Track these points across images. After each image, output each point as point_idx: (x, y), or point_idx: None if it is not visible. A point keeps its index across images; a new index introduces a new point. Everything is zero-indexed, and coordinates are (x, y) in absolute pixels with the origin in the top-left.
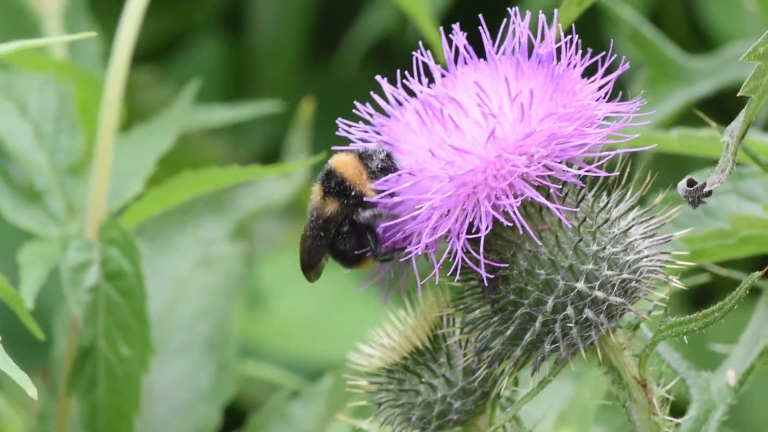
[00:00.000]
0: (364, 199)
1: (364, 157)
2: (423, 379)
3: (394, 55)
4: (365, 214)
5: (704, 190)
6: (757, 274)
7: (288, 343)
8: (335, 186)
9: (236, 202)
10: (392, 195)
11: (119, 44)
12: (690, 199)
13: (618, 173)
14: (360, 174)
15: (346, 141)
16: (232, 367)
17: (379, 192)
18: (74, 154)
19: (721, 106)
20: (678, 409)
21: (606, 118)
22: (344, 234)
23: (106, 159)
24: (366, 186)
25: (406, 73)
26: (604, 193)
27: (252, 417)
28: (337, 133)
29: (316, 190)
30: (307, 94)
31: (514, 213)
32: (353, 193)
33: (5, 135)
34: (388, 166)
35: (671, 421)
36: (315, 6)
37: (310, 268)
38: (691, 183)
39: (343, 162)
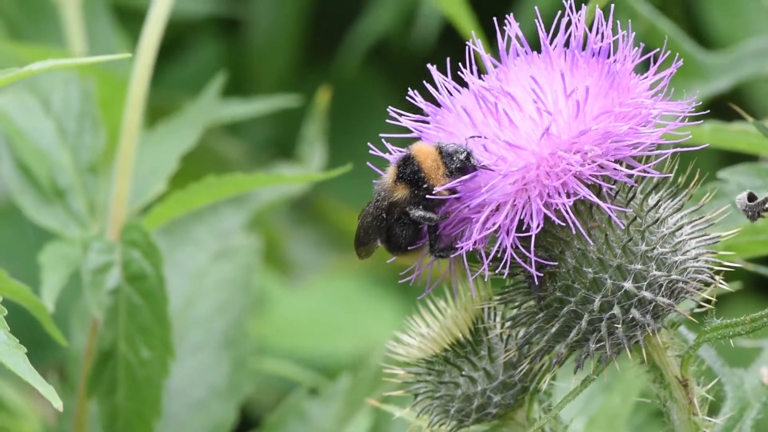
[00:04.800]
0: (434, 191)
1: (444, 153)
2: (463, 372)
3: (391, 55)
4: (418, 213)
5: (765, 205)
6: None
7: (289, 343)
8: (410, 174)
9: (253, 193)
10: (454, 192)
11: (144, 44)
12: (749, 214)
13: (671, 174)
14: (437, 169)
15: (348, 142)
16: (248, 365)
17: (449, 192)
18: (96, 153)
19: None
20: (713, 407)
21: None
22: (405, 221)
23: (128, 159)
24: (440, 182)
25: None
26: (653, 192)
27: (269, 415)
28: (387, 121)
29: (391, 171)
30: (304, 93)
31: (567, 212)
32: (425, 186)
33: (29, 132)
34: (467, 166)
35: (710, 421)
36: (311, 7)
37: (363, 244)
38: (751, 198)
39: (423, 152)
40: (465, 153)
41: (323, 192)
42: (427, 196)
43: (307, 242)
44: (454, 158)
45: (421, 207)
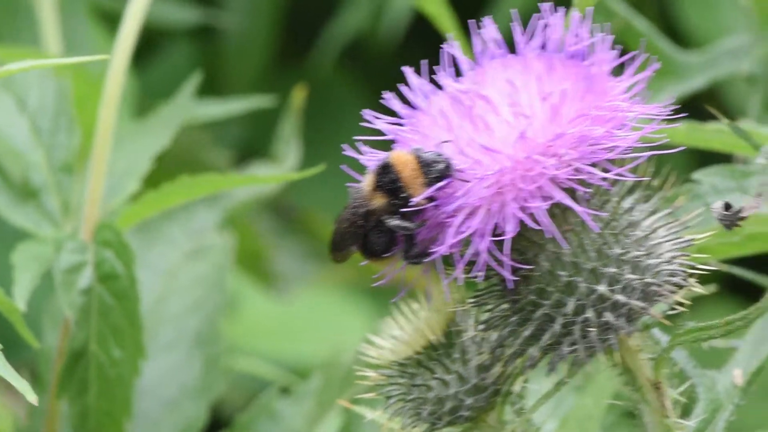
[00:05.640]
0: (411, 201)
1: (423, 161)
2: (436, 375)
3: (364, 55)
4: (395, 223)
5: (740, 215)
6: None
7: (260, 344)
8: (388, 183)
9: (227, 192)
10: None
11: (120, 42)
12: (726, 223)
13: (648, 178)
14: (415, 178)
15: (323, 142)
16: (221, 364)
17: (428, 200)
18: (71, 152)
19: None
20: (686, 409)
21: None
22: (382, 229)
23: (102, 158)
24: (418, 192)
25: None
26: (628, 194)
27: (240, 415)
28: (362, 124)
29: (368, 179)
30: (279, 94)
31: (542, 216)
32: (403, 195)
33: (3, 130)
34: (445, 176)
35: (682, 423)
36: (285, 7)
37: (338, 249)
38: (727, 207)
39: (401, 160)
40: (444, 164)
41: (301, 194)
42: (405, 207)
43: (293, 254)
44: (433, 168)
45: (398, 216)
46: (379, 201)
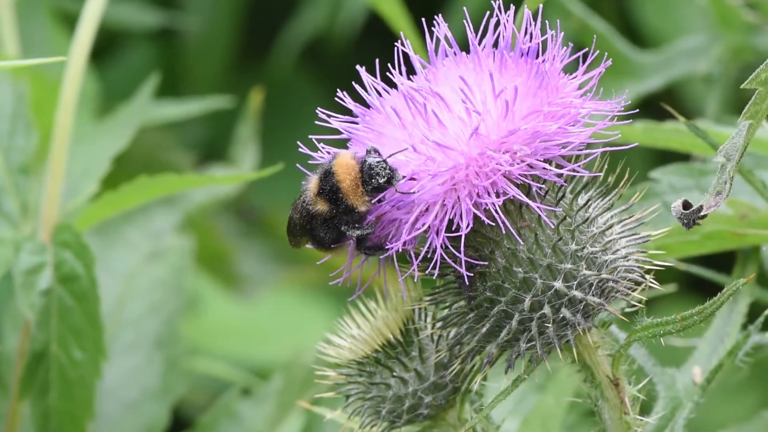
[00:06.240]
0: (354, 210)
1: (365, 171)
2: (394, 373)
3: (324, 54)
4: (356, 233)
5: (700, 213)
6: (742, 281)
7: (223, 346)
8: (329, 191)
9: (185, 194)
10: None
11: (77, 45)
12: (684, 221)
13: (600, 173)
14: (356, 188)
15: (284, 142)
16: (181, 365)
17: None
18: (29, 154)
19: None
20: (646, 407)
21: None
22: (329, 226)
23: (60, 160)
24: (358, 201)
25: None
26: (583, 191)
27: (201, 416)
28: (317, 122)
29: (314, 182)
30: (240, 94)
31: (497, 212)
32: (343, 205)
33: None
34: (386, 187)
35: (642, 420)
36: (246, 8)
37: (293, 236)
38: (686, 205)
39: (344, 168)
40: (386, 177)
41: (265, 195)
42: (346, 214)
43: (256, 256)
44: (373, 181)
45: (356, 226)
46: (321, 206)
